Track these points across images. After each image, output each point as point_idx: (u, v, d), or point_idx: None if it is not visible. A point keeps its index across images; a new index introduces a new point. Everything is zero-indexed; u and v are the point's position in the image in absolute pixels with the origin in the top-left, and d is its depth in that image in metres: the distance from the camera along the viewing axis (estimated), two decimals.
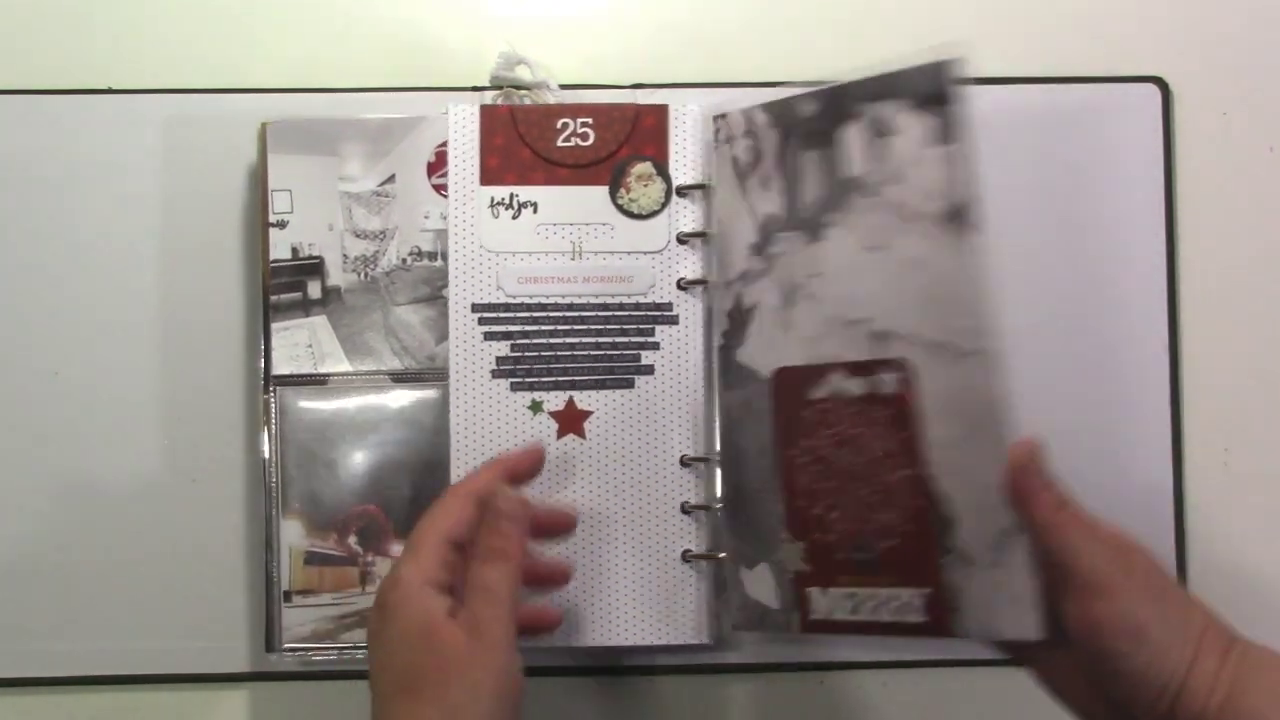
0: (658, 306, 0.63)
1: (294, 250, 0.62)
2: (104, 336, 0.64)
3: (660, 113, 0.63)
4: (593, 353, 0.63)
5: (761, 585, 0.58)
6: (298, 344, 0.62)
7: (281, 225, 0.62)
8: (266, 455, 0.62)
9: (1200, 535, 0.65)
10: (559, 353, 0.63)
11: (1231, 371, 0.66)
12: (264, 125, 0.62)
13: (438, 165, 0.63)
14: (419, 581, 0.50)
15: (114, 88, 0.65)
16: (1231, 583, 0.62)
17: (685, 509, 0.62)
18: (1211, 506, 0.65)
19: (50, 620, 0.63)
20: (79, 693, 0.63)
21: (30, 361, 0.64)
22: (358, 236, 0.63)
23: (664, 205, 0.63)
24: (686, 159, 0.63)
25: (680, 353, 0.63)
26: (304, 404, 0.62)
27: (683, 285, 0.63)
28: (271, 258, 0.62)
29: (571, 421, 0.63)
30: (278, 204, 0.62)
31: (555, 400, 0.63)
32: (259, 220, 0.63)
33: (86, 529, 0.64)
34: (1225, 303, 0.66)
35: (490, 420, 0.62)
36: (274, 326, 0.62)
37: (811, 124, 0.57)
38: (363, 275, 0.63)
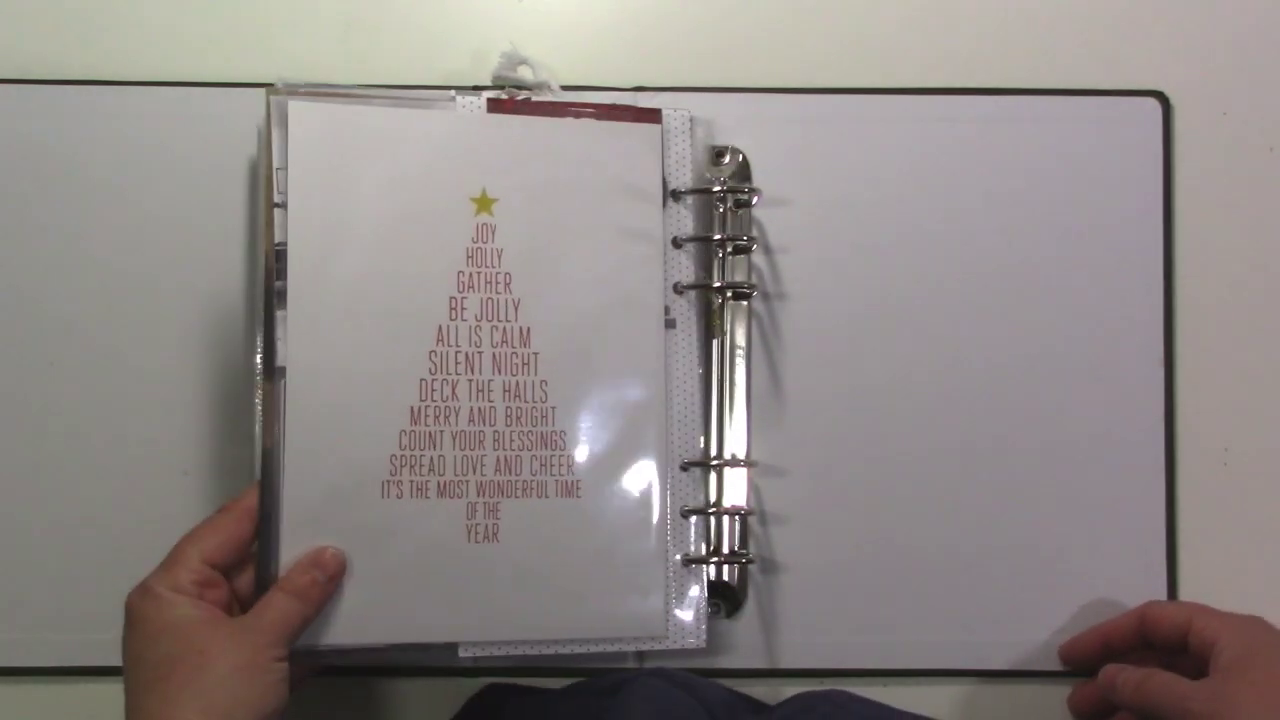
0: None
1: None
2: (100, 327, 0.62)
3: (653, 116, 0.64)
4: None
5: None
6: None
7: (286, 206, 0.58)
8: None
9: (1197, 535, 0.66)
10: None
11: (1230, 372, 0.66)
12: (269, 98, 0.58)
13: None
14: (168, 589, 0.53)
15: (116, 79, 0.64)
16: (1230, 582, 0.65)
17: (684, 513, 0.63)
18: (1209, 507, 0.66)
19: (41, 610, 0.61)
20: (67, 684, 0.61)
21: (26, 351, 0.62)
22: None
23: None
24: (681, 163, 0.64)
25: (679, 356, 0.64)
26: None
27: (679, 289, 0.64)
28: (275, 240, 0.58)
29: None
30: (282, 183, 0.58)
31: None
32: (263, 200, 0.59)
33: (77, 519, 0.61)
34: (1221, 318, 0.67)
35: None
36: (278, 315, 0.58)
37: None
38: None
